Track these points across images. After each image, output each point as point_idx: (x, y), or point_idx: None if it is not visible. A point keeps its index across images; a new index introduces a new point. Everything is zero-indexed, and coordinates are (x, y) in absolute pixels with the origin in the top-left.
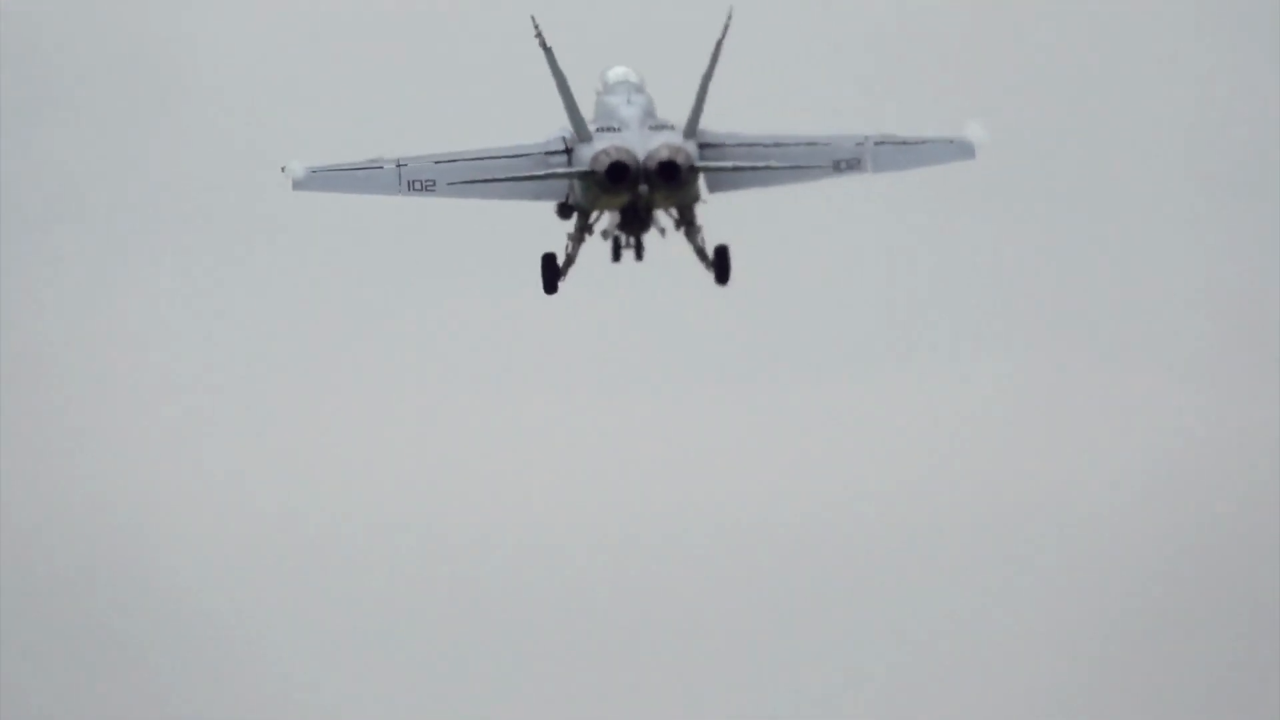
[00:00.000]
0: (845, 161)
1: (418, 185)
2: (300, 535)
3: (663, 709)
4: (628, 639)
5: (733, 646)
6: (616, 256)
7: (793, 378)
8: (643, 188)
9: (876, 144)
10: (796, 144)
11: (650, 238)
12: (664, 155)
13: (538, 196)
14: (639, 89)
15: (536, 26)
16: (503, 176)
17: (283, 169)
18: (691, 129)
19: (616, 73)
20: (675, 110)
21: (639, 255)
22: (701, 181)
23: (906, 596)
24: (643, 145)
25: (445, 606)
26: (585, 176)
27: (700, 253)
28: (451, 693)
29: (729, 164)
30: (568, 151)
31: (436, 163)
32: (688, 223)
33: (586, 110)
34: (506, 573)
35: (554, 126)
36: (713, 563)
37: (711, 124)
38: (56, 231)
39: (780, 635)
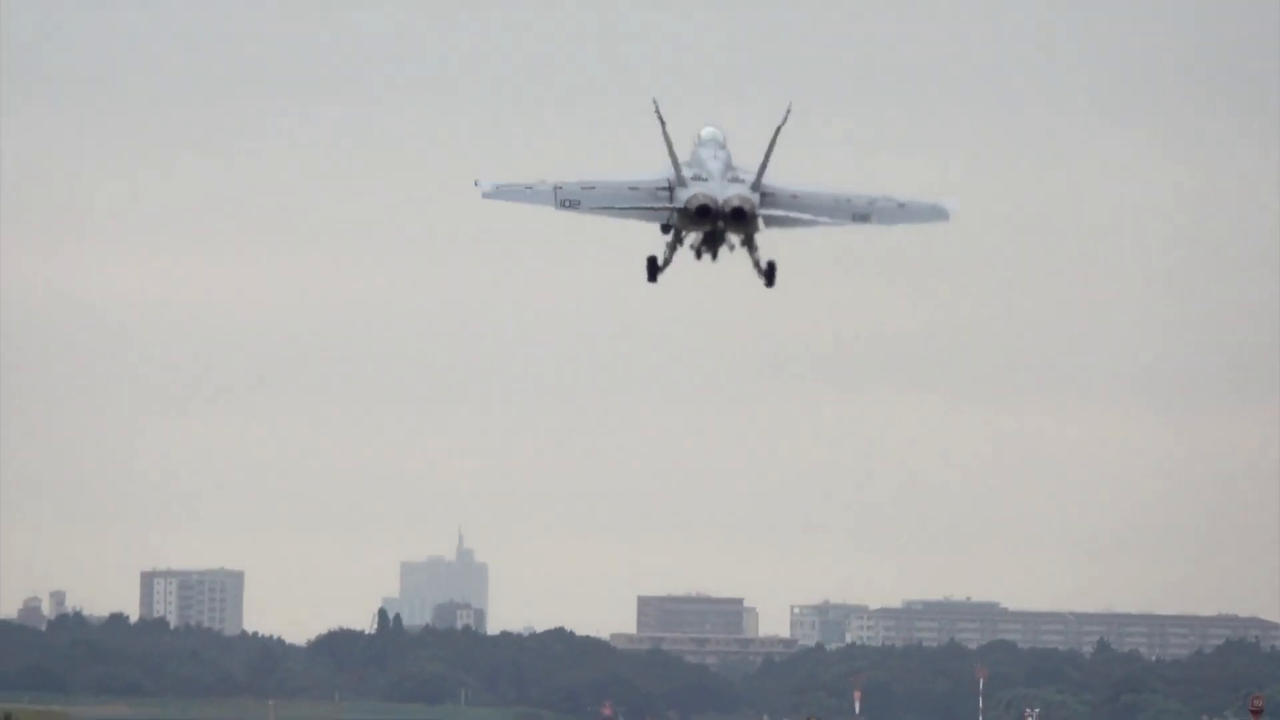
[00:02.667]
0: (859, 214)
1: (567, 203)
2: None
3: None
4: None
5: None
6: (698, 258)
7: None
8: (720, 223)
9: (882, 202)
10: (827, 198)
11: (722, 251)
12: (735, 203)
13: (647, 218)
14: (722, 145)
15: (656, 106)
16: (626, 204)
17: (476, 183)
18: (756, 183)
19: (707, 132)
20: (748, 156)
21: (714, 258)
22: (760, 219)
23: None
24: (722, 193)
25: None
26: (681, 211)
27: (756, 265)
28: None
29: (779, 212)
30: (670, 190)
31: (582, 188)
32: (749, 244)
33: (683, 153)
34: None
35: (661, 166)
36: None
37: (771, 178)
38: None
39: None
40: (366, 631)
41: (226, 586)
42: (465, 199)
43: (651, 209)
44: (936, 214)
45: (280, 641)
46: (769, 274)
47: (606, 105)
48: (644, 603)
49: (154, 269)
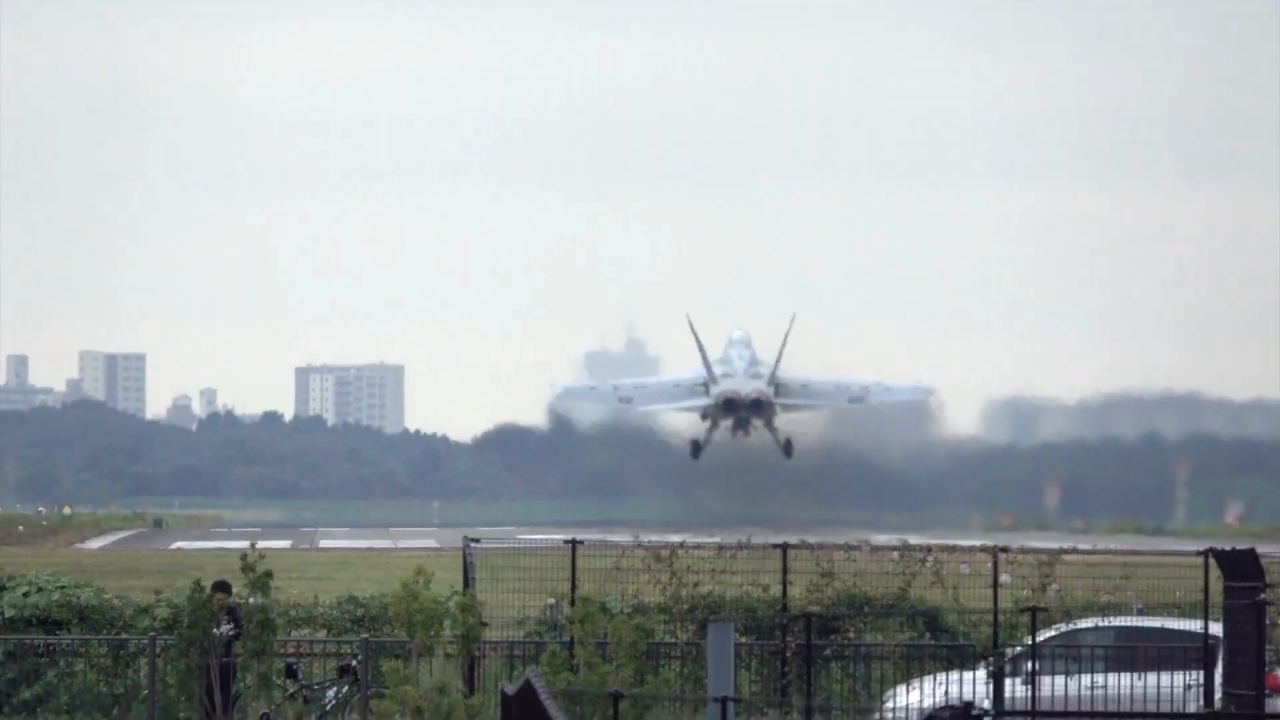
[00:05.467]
0: (856, 397)
1: (625, 399)
2: None
3: None
4: None
5: None
6: (734, 435)
7: None
8: (744, 411)
9: (874, 387)
10: (829, 385)
11: (751, 430)
12: (755, 396)
13: (689, 409)
14: (747, 345)
15: (690, 322)
16: (671, 399)
17: (551, 385)
18: (772, 377)
19: (736, 334)
20: (767, 351)
21: (746, 434)
22: (776, 406)
23: None
24: (744, 388)
25: None
26: (713, 404)
27: (776, 440)
28: None
29: (792, 401)
30: (705, 385)
31: (635, 386)
32: (769, 425)
33: (716, 352)
34: None
35: (697, 365)
36: None
37: (785, 369)
38: None
39: None
40: (535, 427)
41: (386, 382)
42: (544, 397)
43: (691, 404)
44: (918, 394)
45: (444, 439)
46: (787, 446)
47: (656, 317)
48: None
49: (304, 55)
